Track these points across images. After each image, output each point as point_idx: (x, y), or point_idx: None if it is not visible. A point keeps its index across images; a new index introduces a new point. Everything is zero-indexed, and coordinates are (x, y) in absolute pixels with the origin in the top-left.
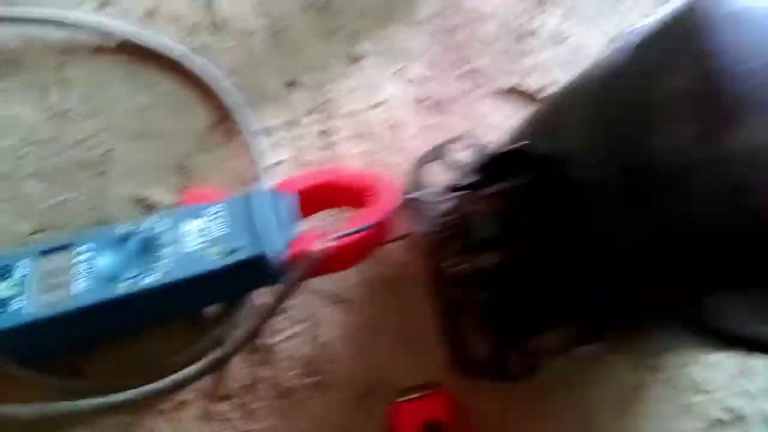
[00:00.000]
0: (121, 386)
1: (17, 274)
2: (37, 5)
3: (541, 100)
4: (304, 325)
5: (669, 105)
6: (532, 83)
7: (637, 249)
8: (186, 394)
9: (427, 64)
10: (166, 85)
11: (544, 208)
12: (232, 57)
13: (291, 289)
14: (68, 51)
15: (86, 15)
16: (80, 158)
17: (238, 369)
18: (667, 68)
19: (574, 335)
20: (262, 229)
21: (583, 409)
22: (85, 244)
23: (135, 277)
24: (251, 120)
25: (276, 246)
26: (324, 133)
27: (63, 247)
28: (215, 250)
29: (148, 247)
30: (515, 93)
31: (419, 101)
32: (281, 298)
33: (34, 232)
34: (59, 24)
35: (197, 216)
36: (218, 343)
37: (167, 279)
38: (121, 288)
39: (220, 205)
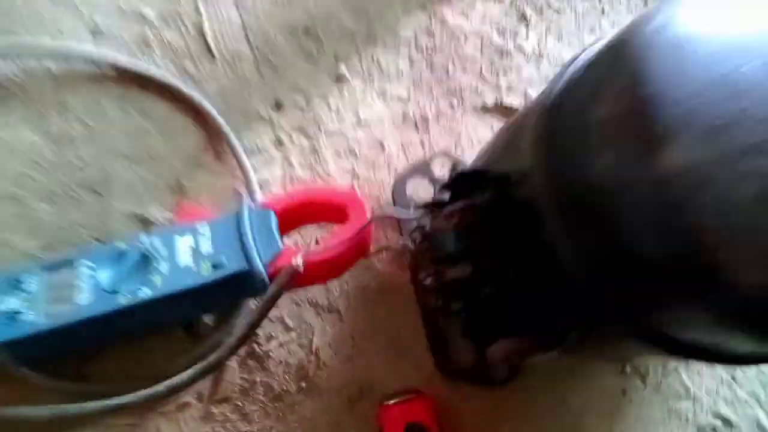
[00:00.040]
0: (125, 389)
1: (27, 288)
2: (39, 38)
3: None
4: (297, 333)
5: (602, 130)
6: (513, 99)
7: (577, 265)
8: (187, 397)
9: (410, 82)
10: (160, 109)
11: (502, 224)
12: (222, 81)
13: (273, 300)
14: (68, 80)
15: (84, 46)
16: (82, 180)
17: (236, 373)
18: (600, 95)
19: (529, 343)
20: (247, 246)
21: (569, 413)
22: (88, 259)
23: (133, 290)
24: (241, 140)
25: (259, 261)
26: (311, 151)
27: (68, 263)
28: (205, 265)
29: (145, 262)
30: (497, 109)
31: (402, 119)
32: (265, 309)
33: (43, 249)
34: (58, 54)
35: (189, 233)
36: (214, 349)
37: (162, 292)
38: (121, 300)
39: (209, 224)
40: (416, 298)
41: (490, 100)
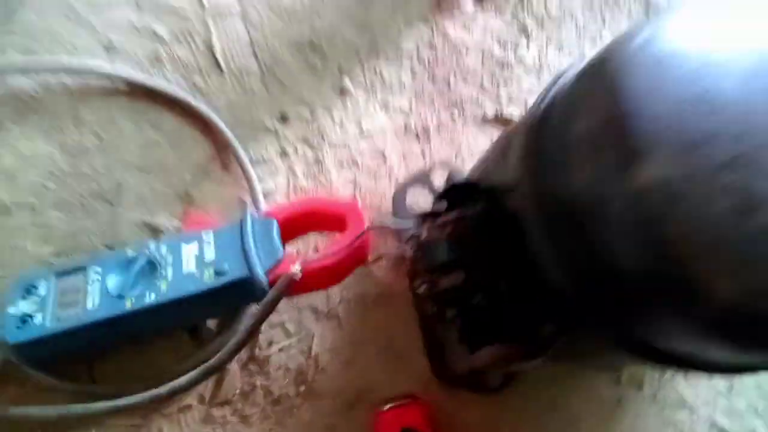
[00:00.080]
0: (130, 391)
1: (40, 292)
2: (55, 55)
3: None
4: (297, 339)
5: (581, 145)
6: (513, 110)
7: (561, 275)
8: (189, 399)
9: (412, 94)
10: (170, 122)
11: (492, 235)
12: (230, 94)
13: (271, 307)
14: (83, 94)
15: (98, 62)
16: (95, 189)
17: (237, 377)
18: (580, 111)
19: (514, 350)
20: (249, 253)
21: (564, 421)
22: (97, 266)
23: (139, 295)
24: (247, 151)
25: (260, 268)
26: (314, 161)
27: (79, 269)
28: (208, 272)
29: (152, 269)
30: (497, 120)
31: (404, 130)
32: (263, 315)
33: (56, 255)
34: (73, 71)
35: (193, 241)
36: (216, 353)
37: (166, 297)
38: (127, 304)
39: (213, 232)
40: (414, 306)
41: (490, 111)
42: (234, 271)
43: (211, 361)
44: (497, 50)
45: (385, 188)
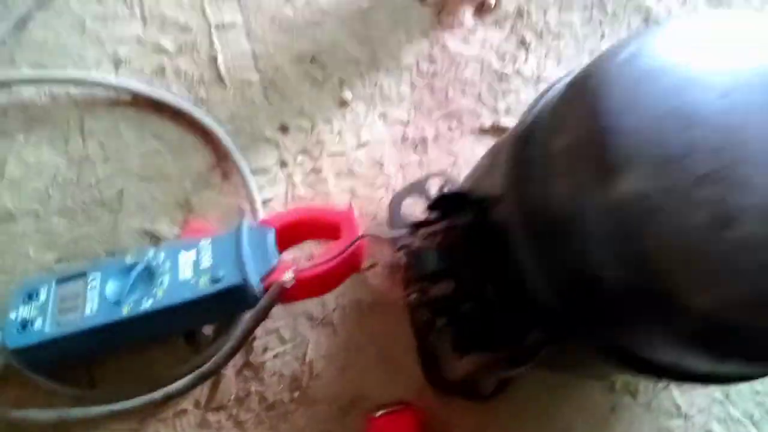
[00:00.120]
0: (128, 395)
1: (41, 298)
2: (62, 68)
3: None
4: (292, 345)
5: (562, 159)
6: (510, 122)
7: (545, 285)
8: (185, 404)
9: (411, 105)
10: (173, 132)
11: (481, 245)
12: (231, 106)
13: (262, 314)
14: (88, 105)
15: (103, 74)
16: (97, 197)
17: (232, 383)
18: (561, 125)
19: (498, 358)
20: (245, 261)
21: (558, 429)
22: (97, 272)
23: (137, 301)
24: (247, 161)
25: (255, 276)
26: (313, 171)
27: (79, 275)
28: (204, 278)
29: (149, 275)
30: (494, 131)
31: (402, 141)
32: (254, 322)
33: (58, 261)
34: (80, 82)
35: (191, 248)
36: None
37: (163, 304)
38: (125, 311)
39: (210, 239)
40: (408, 313)
41: (487, 122)
42: (229, 278)
43: (204, 368)
44: (496, 62)
45: (382, 197)
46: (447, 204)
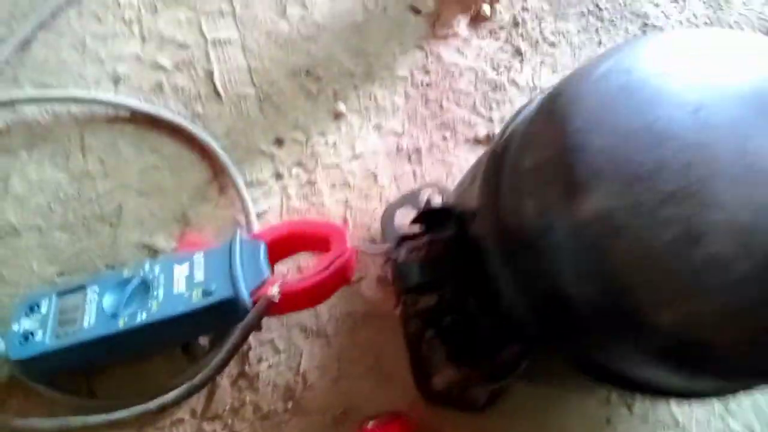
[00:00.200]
0: (126, 405)
1: (42, 311)
2: (63, 86)
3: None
4: (286, 355)
5: (531, 176)
6: None
7: (519, 300)
8: (181, 413)
9: (405, 116)
10: (170, 147)
11: (462, 259)
12: (228, 120)
13: (251, 328)
14: (88, 122)
15: (103, 91)
16: (97, 212)
17: (227, 392)
18: (531, 143)
19: (474, 372)
20: (236, 275)
21: None
22: (95, 285)
23: (132, 314)
24: (243, 174)
25: (245, 289)
26: (308, 183)
27: (78, 288)
28: (196, 292)
29: (145, 289)
30: (489, 141)
31: (396, 151)
32: (243, 335)
33: (60, 274)
34: (81, 101)
35: (185, 262)
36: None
37: (157, 316)
38: (121, 324)
39: (203, 253)
40: (401, 324)
41: (482, 133)
42: (220, 291)
43: (196, 379)
44: (490, 72)
45: (375, 208)
46: (431, 218)
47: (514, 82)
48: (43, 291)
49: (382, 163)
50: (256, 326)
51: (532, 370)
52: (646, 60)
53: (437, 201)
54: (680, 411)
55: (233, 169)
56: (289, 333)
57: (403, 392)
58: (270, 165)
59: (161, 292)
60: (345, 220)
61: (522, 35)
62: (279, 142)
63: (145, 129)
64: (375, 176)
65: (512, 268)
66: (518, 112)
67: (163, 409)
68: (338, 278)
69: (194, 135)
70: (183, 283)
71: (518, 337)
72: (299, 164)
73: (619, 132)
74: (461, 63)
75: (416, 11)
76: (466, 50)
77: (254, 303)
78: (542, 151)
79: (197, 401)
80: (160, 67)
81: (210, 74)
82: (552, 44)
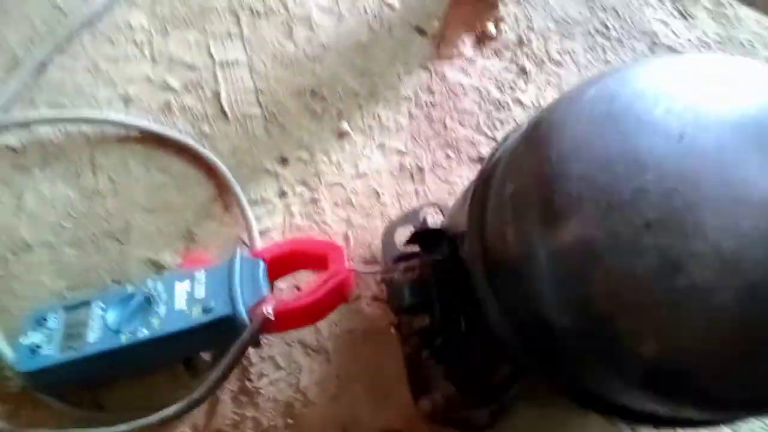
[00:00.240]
0: (130, 418)
1: (49, 325)
2: (76, 107)
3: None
4: (286, 372)
5: (512, 204)
6: None
7: (504, 323)
8: (184, 427)
9: (409, 136)
10: (177, 166)
11: (452, 281)
12: (233, 139)
13: (246, 345)
14: (99, 142)
15: (114, 112)
16: (106, 228)
17: (228, 407)
18: (513, 171)
19: (458, 399)
20: (235, 292)
21: None
22: (101, 301)
23: (134, 330)
24: (247, 192)
25: (244, 307)
26: (311, 201)
27: (84, 304)
28: (196, 309)
29: (148, 305)
30: None
31: (399, 170)
32: (239, 353)
33: (69, 289)
34: (92, 121)
35: (187, 279)
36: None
37: (158, 332)
38: (123, 339)
39: (205, 270)
40: (400, 342)
41: (485, 152)
42: (219, 308)
43: (195, 394)
44: (495, 92)
45: (377, 227)
46: (425, 238)
47: (518, 102)
48: (51, 305)
49: (385, 181)
50: (254, 343)
51: (531, 391)
52: (631, 87)
53: (438, 220)
54: None
55: (237, 188)
56: (290, 349)
57: (402, 410)
58: (274, 183)
59: (163, 308)
60: (347, 238)
61: (527, 54)
62: (284, 160)
63: (154, 148)
64: (378, 195)
65: (497, 292)
66: (506, 137)
67: (164, 423)
68: (334, 297)
69: (200, 154)
70: (184, 299)
71: (507, 359)
72: (303, 183)
73: (600, 160)
74: (466, 83)
75: (421, 32)
76: (471, 70)
77: (252, 320)
78: (523, 178)
79: (199, 415)
80: (169, 88)
81: (217, 95)
82: (558, 63)
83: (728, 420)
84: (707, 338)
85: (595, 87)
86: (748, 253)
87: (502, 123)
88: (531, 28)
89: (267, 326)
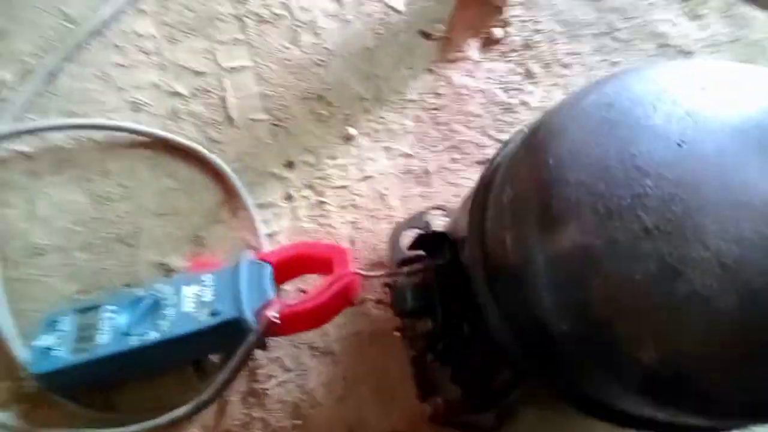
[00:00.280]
0: (141, 419)
1: (60, 328)
2: (87, 114)
3: None
4: (294, 374)
5: (510, 210)
6: None
7: (504, 327)
8: (193, 428)
9: (415, 139)
10: (185, 171)
11: (454, 286)
12: (240, 144)
13: (251, 348)
14: (109, 148)
15: (123, 119)
16: (116, 233)
17: (238, 408)
18: (511, 176)
19: (459, 403)
20: (242, 296)
21: None
22: (111, 304)
23: (143, 332)
24: (254, 196)
25: (250, 310)
26: (317, 205)
27: (95, 307)
28: (204, 311)
29: (156, 308)
30: None
31: (405, 173)
32: (245, 355)
33: (81, 292)
34: (102, 127)
35: (194, 282)
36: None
37: (166, 335)
38: (132, 341)
39: (212, 274)
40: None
41: (491, 154)
42: (226, 312)
43: (203, 395)
44: (501, 95)
45: (383, 229)
46: (427, 243)
47: (525, 104)
48: (63, 309)
49: (391, 184)
50: (261, 346)
51: (536, 394)
52: (630, 93)
53: (443, 223)
54: None
55: (244, 192)
56: (298, 351)
57: (408, 412)
58: (281, 187)
59: (172, 311)
60: (353, 241)
61: (534, 57)
62: (290, 165)
63: (162, 154)
64: (384, 198)
65: (497, 297)
66: (507, 143)
67: (174, 424)
68: (339, 300)
69: (208, 159)
70: (192, 303)
71: (507, 365)
72: (309, 186)
73: (599, 165)
74: (472, 86)
75: (427, 36)
76: (477, 73)
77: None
78: (522, 184)
79: (209, 416)
80: (176, 94)
81: (224, 100)
82: (565, 65)
83: (727, 427)
84: (707, 343)
85: (594, 93)
86: (750, 258)
87: (509, 125)
88: (537, 31)
89: (272, 329)
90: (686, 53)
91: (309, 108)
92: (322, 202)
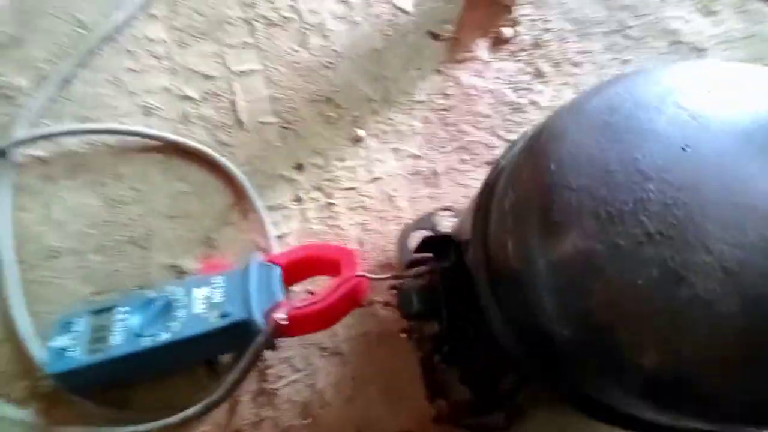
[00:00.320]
0: (154, 418)
1: (75, 329)
2: (99, 119)
3: None
4: (303, 374)
5: (512, 214)
6: None
7: (506, 331)
8: (206, 427)
9: (423, 140)
10: (197, 174)
11: (459, 288)
12: (250, 147)
13: (260, 349)
14: (121, 152)
15: (135, 123)
16: (129, 236)
17: (248, 408)
18: (514, 181)
19: (466, 405)
20: (252, 297)
21: None
22: (123, 305)
23: (156, 333)
24: (264, 198)
25: (259, 311)
26: (327, 207)
27: (108, 309)
28: (214, 313)
29: (167, 309)
30: None
31: (414, 174)
32: (254, 357)
33: (95, 294)
34: (115, 132)
35: (205, 284)
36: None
37: (177, 336)
38: (144, 342)
39: (223, 275)
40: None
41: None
42: (236, 313)
43: (213, 396)
44: (511, 95)
45: (391, 230)
46: (434, 245)
47: (534, 104)
48: (77, 310)
49: (400, 186)
50: (270, 346)
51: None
52: (633, 97)
53: (451, 225)
54: None
55: (254, 194)
56: (308, 352)
57: (416, 412)
58: (290, 189)
59: (183, 312)
60: (361, 243)
61: (544, 56)
62: (299, 167)
63: (174, 157)
64: (393, 199)
65: (500, 301)
66: (511, 146)
67: (185, 423)
68: (347, 302)
69: (218, 162)
70: (202, 304)
71: (512, 368)
72: (318, 188)
73: (600, 170)
74: (480, 86)
75: (435, 36)
76: (486, 73)
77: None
78: (524, 188)
79: (220, 415)
80: (187, 99)
81: (234, 103)
82: (575, 64)
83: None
84: (710, 347)
85: (596, 97)
86: (753, 261)
87: (518, 125)
88: (547, 30)
89: (281, 331)
90: (699, 50)
91: (318, 110)
92: (331, 204)
